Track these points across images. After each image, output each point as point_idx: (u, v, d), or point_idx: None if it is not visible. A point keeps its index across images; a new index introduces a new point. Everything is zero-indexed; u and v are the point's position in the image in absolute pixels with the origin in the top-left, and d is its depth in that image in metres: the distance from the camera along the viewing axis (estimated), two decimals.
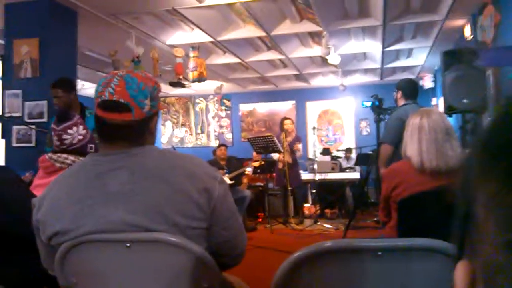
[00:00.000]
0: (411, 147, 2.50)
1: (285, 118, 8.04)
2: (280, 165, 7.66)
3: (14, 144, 5.35)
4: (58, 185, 1.52)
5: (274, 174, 8.16)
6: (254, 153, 8.03)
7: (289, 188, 7.72)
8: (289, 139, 7.81)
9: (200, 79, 7.13)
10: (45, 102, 5.30)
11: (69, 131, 2.57)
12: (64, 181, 1.52)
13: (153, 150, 1.49)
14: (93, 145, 2.70)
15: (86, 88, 10.65)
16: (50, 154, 2.57)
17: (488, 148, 0.36)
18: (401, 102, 4.54)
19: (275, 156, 7.85)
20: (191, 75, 7.16)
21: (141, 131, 1.48)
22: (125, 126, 1.44)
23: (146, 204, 1.36)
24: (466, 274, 0.38)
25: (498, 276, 0.32)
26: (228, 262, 1.61)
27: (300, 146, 7.87)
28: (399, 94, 4.57)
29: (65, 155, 2.54)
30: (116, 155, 1.44)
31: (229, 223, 1.53)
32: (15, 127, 5.37)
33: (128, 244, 1.33)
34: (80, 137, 2.60)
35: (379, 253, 1.27)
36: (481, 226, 0.35)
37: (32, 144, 5.28)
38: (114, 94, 1.42)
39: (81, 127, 2.63)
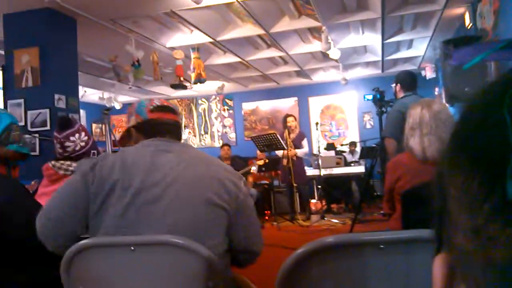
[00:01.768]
0: (413, 139, 2.49)
1: (288, 115, 8.04)
2: (285, 162, 7.66)
3: None
4: (124, 153, 1.69)
5: (279, 172, 8.16)
6: (258, 152, 8.04)
7: (295, 184, 7.72)
8: (293, 135, 7.81)
9: (199, 80, 7.15)
10: (47, 110, 5.33)
11: (72, 138, 2.58)
12: (130, 150, 1.71)
13: (192, 146, 1.91)
14: (95, 151, 2.71)
15: (88, 94, 10.69)
16: (53, 162, 2.59)
17: (455, 141, 0.37)
18: (401, 94, 4.54)
19: (279, 153, 7.85)
20: (192, 76, 7.18)
21: (180, 129, 1.88)
22: (174, 124, 1.83)
23: (185, 177, 1.61)
24: (443, 267, 0.39)
25: (469, 264, 0.34)
26: (245, 259, 1.78)
27: (304, 142, 7.85)
28: (398, 87, 4.57)
29: (68, 162, 2.56)
30: (168, 142, 1.74)
31: (250, 220, 1.72)
32: None
33: (132, 247, 1.34)
34: (83, 144, 2.61)
35: (382, 246, 1.27)
36: (454, 218, 0.36)
37: (36, 153, 5.30)
38: (164, 103, 1.87)
39: (83, 133, 2.64)
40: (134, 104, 1.91)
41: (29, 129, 5.33)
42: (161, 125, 1.80)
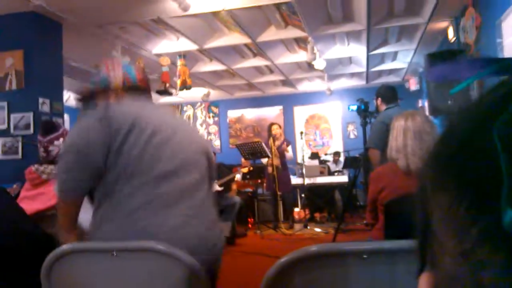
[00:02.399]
0: (396, 150, 2.52)
1: (272, 124, 8.07)
2: (270, 170, 7.67)
3: (1, 157, 5.31)
4: (130, 105, 1.91)
5: (265, 179, 8.17)
6: (243, 159, 8.03)
7: (279, 193, 7.73)
8: (278, 143, 7.83)
9: (185, 86, 7.14)
10: (31, 114, 5.28)
11: (55, 142, 2.57)
12: (133, 104, 1.94)
13: None
14: None
15: (72, 99, 10.59)
16: (36, 166, 2.57)
17: (438, 159, 0.37)
18: (383, 107, 4.62)
19: (264, 161, 7.86)
20: (178, 83, 7.18)
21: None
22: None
23: (184, 128, 2.03)
24: (428, 286, 0.39)
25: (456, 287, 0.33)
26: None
27: (289, 148, 7.87)
28: (379, 100, 4.65)
29: (52, 167, 2.54)
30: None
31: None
32: (1, 139, 5.34)
33: (114, 253, 1.33)
34: None
35: (365, 256, 1.28)
36: (439, 239, 0.35)
37: (19, 156, 5.24)
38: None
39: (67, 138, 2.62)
40: (115, 60, 2.15)
41: (12, 132, 5.28)
42: (146, 91, 2.11)
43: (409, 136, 2.48)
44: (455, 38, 6.49)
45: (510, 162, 0.30)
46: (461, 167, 0.33)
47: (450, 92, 4.14)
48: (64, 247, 1.39)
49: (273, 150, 7.60)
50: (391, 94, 4.64)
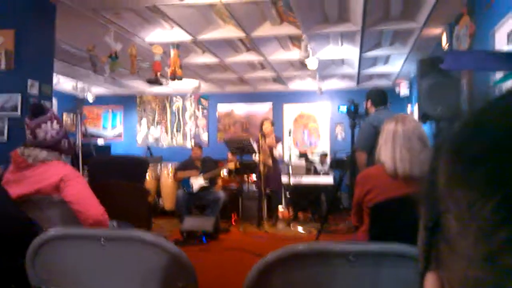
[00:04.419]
0: (385, 153, 2.53)
1: (264, 120, 8.06)
2: (261, 167, 7.65)
3: None
4: None
5: (255, 176, 8.17)
6: (229, 154, 8.01)
7: (266, 191, 7.74)
8: (268, 140, 7.81)
9: (175, 77, 7.10)
10: (19, 95, 5.21)
11: (43, 126, 2.53)
12: None
13: None
14: (66, 141, 2.66)
15: (61, 83, 10.50)
16: (22, 149, 2.53)
17: (464, 154, 0.34)
18: (372, 110, 4.66)
19: (256, 159, 7.84)
20: (169, 73, 7.14)
21: None
22: None
23: None
24: (436, 287, 0.37)
25: None
26: None
27: (278, 145, 7.85)
28: (369, 103, 4.69)
29: (38, 150, 2.51)
30: None
31: None
32: None
33: (103, 241, 1.32)
34: (54, 133, 2.57)
35: (351, 257, 1.28)
36: (454, 238, 0.33)
37: (5, 139, 5.18)
38: None
39: (55, 122, 2.59)
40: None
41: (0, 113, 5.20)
42: None
43: (398, 140, 2.49)
44: (448, 45, 6.52)
45: None
46: (494, 164, 0.31)
47: (494, 83, 4.13)
48: (51, 232, 1.38)
49: (263, 147, 7.59)
50: (381, 97, 4.68)
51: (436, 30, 6.89)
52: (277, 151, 7.79)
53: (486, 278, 0.30)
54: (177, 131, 12.88)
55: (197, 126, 12.81)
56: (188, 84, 10.56)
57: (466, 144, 0.35)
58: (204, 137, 12.69)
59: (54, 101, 7.81)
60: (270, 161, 7.69)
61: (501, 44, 4.37)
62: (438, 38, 7.08)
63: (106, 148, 11.77)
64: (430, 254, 0.38)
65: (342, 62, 9.44)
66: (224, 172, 8.56)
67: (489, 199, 0.30)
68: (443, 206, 0.35)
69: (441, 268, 0.36)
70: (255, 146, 7.47)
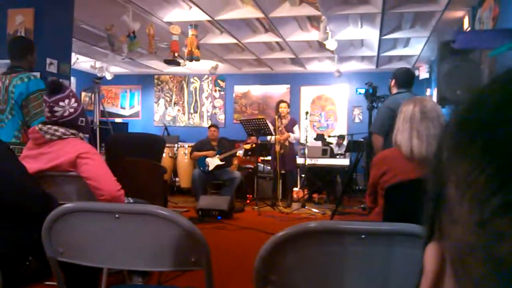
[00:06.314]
0: (401, 135, 2.51)
1: (281, 101, 8.03)
2: (277, 148, 7.65)
3: None
4: None
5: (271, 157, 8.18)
6: (252, 137, 7.98)
7: (281, 171, 7.75)
8: (285, 121, 7.80)
9: (192, 57, 7.09)
10: (37, 74, 5.25)
11: (61, 103, 2.56)
12: None
13: None
14: (83, 119, 2.69)
15: (80, 62, 10.57)
16: (40, 126, 2.56)
17: (464, 126, 0.36)
18: (394, 90, 4.56)
19: (272, 139, 7.84)
20: (185, 53, 7.14)
21: None
22: None
23: None
24: (435, 256, 0.38)
25: (468, 258, 0.32)
26: None
27: (295, 128, 7.81)
28: (393, 82, 4.58)
29: (55, 127, 2.54)
30: None
31: None
32: None
33: (117, 215, 1.34)
34: (72, 110, 2.59)
35: (363, 236, 1.28)
36: (452, 207, 0.34)
37: None
38: None
39: (73, 100, 2.61)
40: None
41: None
42: None
43: (415, 122, 2.47)
44: (470, 28, 6.41)
45: None
46: (490, 134, 0.33)
47: (489, 54, 4.08)
48: (67, 206, 1.40)
49: (280, 128, 7.59)
50: (407, 79, 4.58)
51: (458, 13, 6.76)
52: (292, 135, 7.74)
53: (477, 243, 0.31)
54: (194, 111, 12.92)
55: (214, 106, 12.83)
56: (205, 65, 10.56)
57: (467, 117, 0.36)
58: (221, 117, 12.72)
59: (73, 80, 7.88)
60: (287, 142, 7.68)
61: None
62: (460, 21, 6.96)
63: (124, 126, 11.86)
64: (433, 225, 0.39)
65: (361, 44, 9.34)
66: (240, 152, 8.57)
67: (484, 169, 0.32)
68: (445, 176, 0.36)
69: (442, 238, 0.37)
70: (271, 127, 7.46)
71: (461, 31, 5.54)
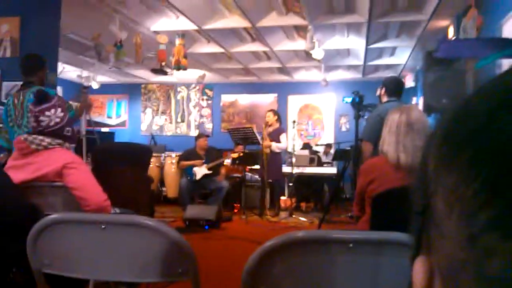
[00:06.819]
0: (388, 143, 2.52)
1: (268, 111, 8.08)
2: (264, 156, 7.65)
3: None
4: None
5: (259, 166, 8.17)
6: (240, 146, 7.97)
7: (268, 180, 7.75)
8: (270, 129, 7.81)
9: (179, 66, 7.09)
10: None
11: (47, 113, 2.54)
12: None
13: None
14: (70, 129, 2.67)
15: (66, 71, 10.51)
16: (25, 136, 2.54)
17: (451, 138, 0.35)
18: (384, 99, 4.58)
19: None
20: (172, 62, 7.13)
21: None
22: None
23: None
24: (424, 271, 0.37)
25: (460, 274, 0.31)
26: None
27: (282, 137, 7.79)
28: (383, 90, 4.61)
29: (41, 137, 2.52)
30: None
31: None
32: None
33: (103, 226, 1.32)
34: (57, 120, 2.57)
35: (351, 245, 1.28)
36: (440, 220, 0.34)
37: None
38: None
39: (59, 109, 2.60)
40: None
41: (3, 100, 5.21)
42: None
43: (402, 131, 2.48)
44: (455, 37, 6.48)
45: None
46: (477, 146, 0.32)
47: (476, 66, 4.11)
48: (52, 217, 1.38)
49: (263, 136, 7.60)
50: (396, 87, 4.61)
51: (443, 22, 6.84)
52: (275, 144, 7.70)
53: (468, 259, 0.30)
54: (181, 120, 12.89)
55: (201, 115, 12.81)
56: (192, 74, 10.55)
57: (453, 128, 0.36)
58: (208, 126, 12.70)
59: (59, 89, 7.82)
60: (268, 150, 7.66)
61: (509, 35, 4.34)
62: (445, 31, 7.03)
63: (110, 135, 11.80)
64: (421, 239, 0.38)
65: (347, 53, 9.40)
66: (227, 161, 8.57)
67: (471, 183, 0.31)
68: (432, 189, 0.35)
69: (431, 252, 0.36)
70: (258, 136, 7.47)
71: (444, 40, 5.60)
